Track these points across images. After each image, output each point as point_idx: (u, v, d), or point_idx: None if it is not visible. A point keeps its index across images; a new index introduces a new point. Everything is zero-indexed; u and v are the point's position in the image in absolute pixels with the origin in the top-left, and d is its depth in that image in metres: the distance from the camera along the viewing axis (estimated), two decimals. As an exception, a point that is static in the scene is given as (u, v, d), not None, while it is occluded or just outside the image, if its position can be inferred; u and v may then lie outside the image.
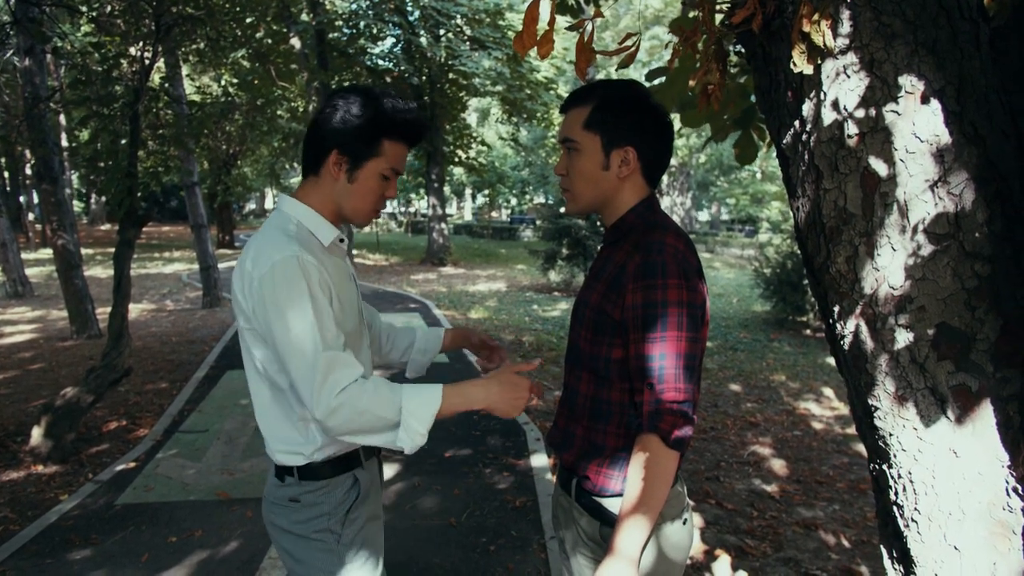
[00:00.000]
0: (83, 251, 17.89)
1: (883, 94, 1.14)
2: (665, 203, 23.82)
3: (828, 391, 6.41)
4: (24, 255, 17.02)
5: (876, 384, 1.26)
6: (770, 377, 6.83)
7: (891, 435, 1.27)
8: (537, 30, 1.23)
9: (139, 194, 5.19)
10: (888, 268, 1.19)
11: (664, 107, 1.34)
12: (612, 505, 1.28)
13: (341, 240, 1.40)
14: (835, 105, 1.18)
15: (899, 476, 1.30)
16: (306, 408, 1.24)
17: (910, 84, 1.13)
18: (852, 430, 5.20)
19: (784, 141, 1.30)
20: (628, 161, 1.30)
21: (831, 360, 7.74)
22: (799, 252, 9.36)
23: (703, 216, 42.08)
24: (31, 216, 23.73)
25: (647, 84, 2.17)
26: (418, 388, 1.25)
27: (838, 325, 1.29)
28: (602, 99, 1.30)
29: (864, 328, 1.24)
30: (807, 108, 1.22)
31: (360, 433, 1.23)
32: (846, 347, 1.29)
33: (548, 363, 7.01)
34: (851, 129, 1.17)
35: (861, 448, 4.80)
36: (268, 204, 50.60)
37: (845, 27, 1.14)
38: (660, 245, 1.22)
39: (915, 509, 1.27)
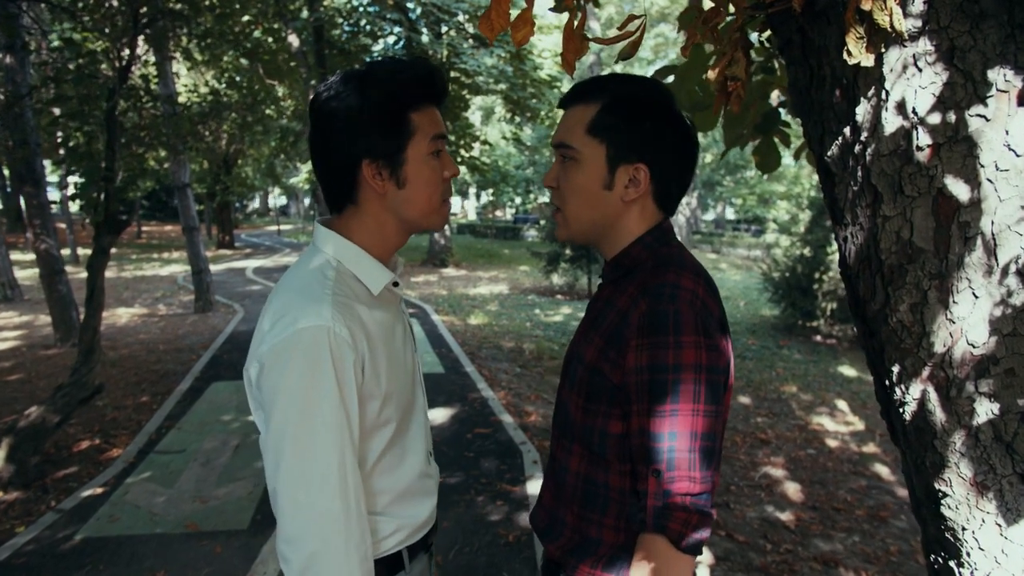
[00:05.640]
0: (81, 252, 17.72)
1: (966, 93, 0.87)
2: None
3: (842, 404, 6.11)
4: (21, 256, 16.82)
5: (947, 466, 0.98)
6: (780, 388, 6.55)
7: (964, 529, 1.00)
8: (511, 10, 0.95)
9: (128, 196, 4.93)
10: (967, 320, 0.91)
11: (691, 118, 1.05)
12: (608, 616, 1.01)
13: (395, 284, 1.11)
14: (901, 107, 0.90)
15: (973, 579, 1.02)
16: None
17: (1003, 80, 0.85)
18: (868, 448, 4.92)
19: (829, 152, 1.02)
20: (638, 181, 1.01)
21: (844, 370, 7.43)
22: (808, 255, 9.08)
23: (708, 216, 41.71)
24: (30, 216, 23.49)
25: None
26: None
27: (897, 389, 1.02)
28: (615, 98, 1.01)
29: (933, 395, 0.97)
30: (862, 111, 0.94)
31: None
32: (907, 416, 1.02)
33: (548, 372, 6.73)
34: (922, 139, 0.89)
35: (879, 470, 4.51)
36: (271, 203, 50.40)
37: (917, 4, 0.87)
38: (673, 289, 0.94)
39: (994, 622, 1.00)
